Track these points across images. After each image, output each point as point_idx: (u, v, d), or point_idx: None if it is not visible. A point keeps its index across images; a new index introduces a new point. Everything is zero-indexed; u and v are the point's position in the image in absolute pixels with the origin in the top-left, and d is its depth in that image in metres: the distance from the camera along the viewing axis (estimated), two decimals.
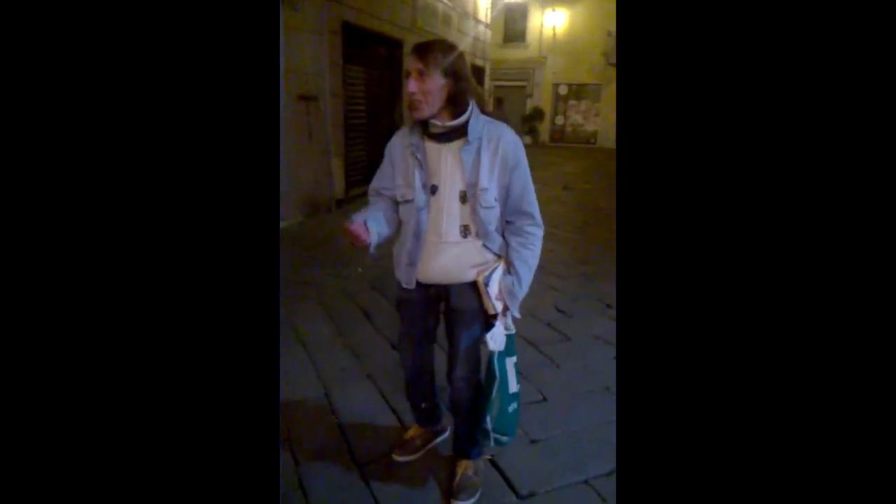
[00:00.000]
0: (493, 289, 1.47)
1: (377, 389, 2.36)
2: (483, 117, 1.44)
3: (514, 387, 1.59)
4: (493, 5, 12.77)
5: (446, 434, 1.98)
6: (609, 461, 1.89)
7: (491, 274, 1.47)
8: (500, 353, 1.53)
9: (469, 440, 1.74)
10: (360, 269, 4.07)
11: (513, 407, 1.60)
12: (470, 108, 1.41)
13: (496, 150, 1.41)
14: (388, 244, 1.60)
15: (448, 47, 1.38)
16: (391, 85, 8.08)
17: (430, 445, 1.93)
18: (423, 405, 1.86)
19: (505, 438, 1.61)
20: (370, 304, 3.38)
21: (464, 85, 1.38)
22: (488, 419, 1.56)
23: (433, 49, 1.36)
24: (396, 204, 1.55)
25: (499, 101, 10.32)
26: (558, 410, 2.21)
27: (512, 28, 17.98)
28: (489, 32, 12.84)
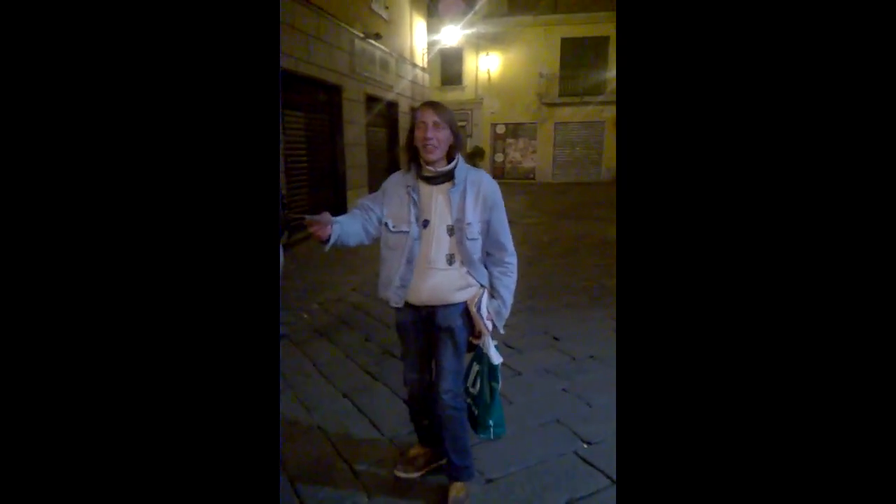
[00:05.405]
0: (484, 312, 1.77)
1: (329, 442, 2.29)
2: (466, 165, 1.76)
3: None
4: (429, 50, 13.23)
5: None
6: (563, 494, 1.91)
7: (480, 300, 1.77)
8: (497, 364, 1.80)
9: (459, 461, 1.86)
10: (305, 316, 3.99)
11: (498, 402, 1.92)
12: (457, 158, 1.73)
13: (478, 193, 1.73)
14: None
15: (450, 109, 1.73)
16: (331, 128, 8.14)
17: (432, 466, 2.03)
18: (424, 422, 2.00)
19: (501, 430, 1.91)
20: (317, 354, 3.30)
21: (459, 139, 1.73)
22: (490, 422, 1.86)
23: (444, 108, 1.70)
24: (379, 225, 1.79)
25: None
26: (513, 447, 2.23)
27: (448, 71, 18.64)
28: (427, 76, 13.25)
